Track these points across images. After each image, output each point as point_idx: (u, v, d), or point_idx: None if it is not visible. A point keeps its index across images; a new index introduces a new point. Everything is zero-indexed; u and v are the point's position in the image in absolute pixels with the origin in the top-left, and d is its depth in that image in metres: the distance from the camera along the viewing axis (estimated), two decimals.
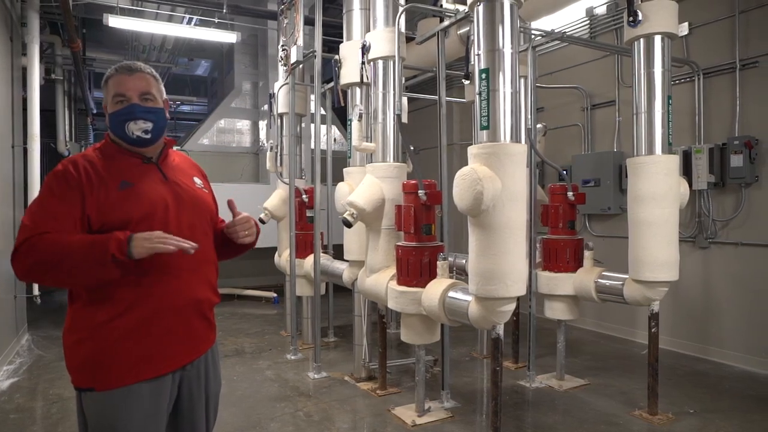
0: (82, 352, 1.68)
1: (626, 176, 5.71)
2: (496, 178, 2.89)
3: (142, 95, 1.77)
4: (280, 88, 5.99)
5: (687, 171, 5.12)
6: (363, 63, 4.21)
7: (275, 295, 8.41)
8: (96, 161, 1.74)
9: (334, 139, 9.43)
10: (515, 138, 3.00)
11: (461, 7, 3.88)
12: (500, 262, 2.93)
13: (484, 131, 3.00)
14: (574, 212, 4.55)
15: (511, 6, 3.00)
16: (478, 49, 3.03)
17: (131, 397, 1.67)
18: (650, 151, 3.80)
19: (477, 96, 3.02)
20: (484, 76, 2.99)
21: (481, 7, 3.02)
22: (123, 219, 1.67)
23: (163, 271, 1.72)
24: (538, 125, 5.06)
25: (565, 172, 4.97)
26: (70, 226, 1.63)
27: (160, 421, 1.75)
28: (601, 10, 6.27)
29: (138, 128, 1.75)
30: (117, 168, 1.75)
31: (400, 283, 3.76)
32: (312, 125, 6.19)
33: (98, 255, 1.57)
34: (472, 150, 3.05)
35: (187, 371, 1.82)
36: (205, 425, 1.92)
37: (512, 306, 3.09)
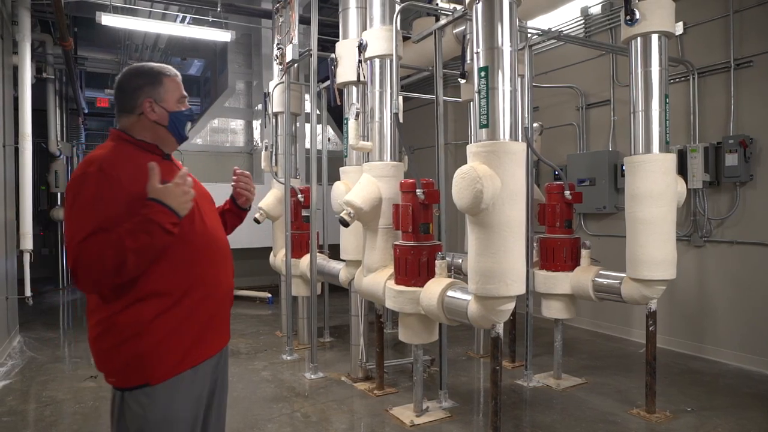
0: (130, 350, 1.64)
1: (622, 175, 5.74)
2: (496, 176, 2.88)
3: None
4: (275, 87, 5.96)
5: (682, 170, 5.13)
6: (360, 61, 4.19)
7: (269, 295, 8.37)
8: (124, 158, 1.71)
9: (329, 139, 9.41)
10: (514, 136, 2.99)
11: (457, 6, 3.88)
12: (500, 261, 2.92)
13: (483, 129, 2.99)
14: (571, 211, 4.55)
15: (510, 4, 2.99)
16: (477, 47, 3.02)
17: (183, 383, 1.71)
18: (648, 149, 3.81)
19: (476, 94, 3.01)
20: (483, 74, 2.97)
21: (480, 5, 3.00)
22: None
23: (208, 260, 1.80)
24: (535, 124, 5.06)
25: (561, 170, 4.97)
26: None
27: (202, 405, 1.81)
28: (595, 10, 6.28)
29: (189, 129, 1.92)
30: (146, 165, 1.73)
31: (398, 282, 3.74)
32: (307, 125, 6.17)
33: (157, 235, 1.59)
34: (471, 148, 3.03)
35: (220, 357, 1.89)
36: (225, 414, 1.99)
37: (512, 305, 3.08)
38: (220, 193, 2.14)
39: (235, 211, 2.15)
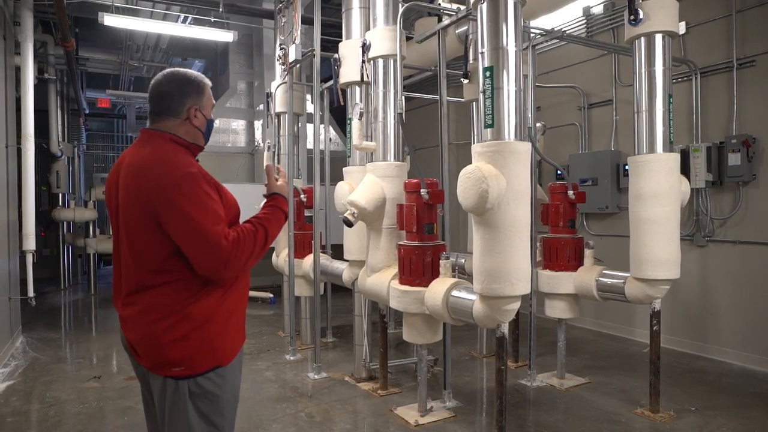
0: (204, 336, 1.78)
1: (624, 175, 5.74)
2: (501, 176, 2.88)
3: None
4: (278, 87, 5.96)
5: (685, 170, 5.14)
6: (363, 62, 4.19)
7: (271, 295, 8.37)
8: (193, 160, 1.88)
9: (330, 139, 9.40)
10: (519, 136, 2.99)
11: (461, 6, 3.88)
12: (506, 261, 2.92)
13: (489, 129, 2.99)
14: (575, 211, 4.55)
15: (515, 4, 2.99)
16: (482, 47, 3.02)
17: (237, 363, 1.92)
18: (651, 149, 3.81)
19: (481, 94, 3.01)
20: (488, 74, 2.97)
21: (485, 5, 3.01)
22: (237, 213, 1.93)
23: None
24: (537, 124, 5.06)
25: (564, 170, 4.97)
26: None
27: None
28: (597, 10, 6.28)
29: None
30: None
31: (402, 282, 3.74)
32: (311, 125, 6.17)
33: (283, 220, 1.98)
34: (476, 148, 3.03)
35: None
36: None
37: (517, 304, 3.08)
38: None
39: None
